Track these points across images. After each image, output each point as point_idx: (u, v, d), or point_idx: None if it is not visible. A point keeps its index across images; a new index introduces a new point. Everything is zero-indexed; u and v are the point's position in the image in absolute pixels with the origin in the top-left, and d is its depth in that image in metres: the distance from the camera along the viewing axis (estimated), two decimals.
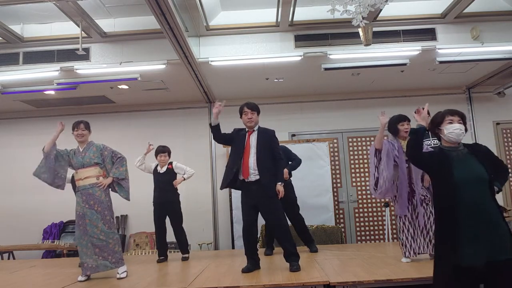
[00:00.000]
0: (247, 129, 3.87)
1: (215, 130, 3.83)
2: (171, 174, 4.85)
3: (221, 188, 3.93)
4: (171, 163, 4.91)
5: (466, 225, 2.28)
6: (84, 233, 3.75)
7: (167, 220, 4.83)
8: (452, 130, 2.47)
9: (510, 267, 2.22)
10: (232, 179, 3.77)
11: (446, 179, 2.38)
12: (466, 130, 2.52)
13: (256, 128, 3.87)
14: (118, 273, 3.77)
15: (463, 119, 2.54)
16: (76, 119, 4.20)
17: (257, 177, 3.68)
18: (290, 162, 4.91)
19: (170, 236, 4.89)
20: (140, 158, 4.88)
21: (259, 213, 3.79)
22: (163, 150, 4.90)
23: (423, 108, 2.74)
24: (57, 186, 4.01)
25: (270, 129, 3.93)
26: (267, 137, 3.83)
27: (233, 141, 3.88)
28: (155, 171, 4.89)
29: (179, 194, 4.90)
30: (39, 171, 3.95)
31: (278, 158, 3.80)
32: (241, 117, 3.90)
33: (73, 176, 4.23)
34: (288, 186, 4.80)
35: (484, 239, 2.24)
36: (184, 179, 4.87)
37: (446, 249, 2.35)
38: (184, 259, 4.75)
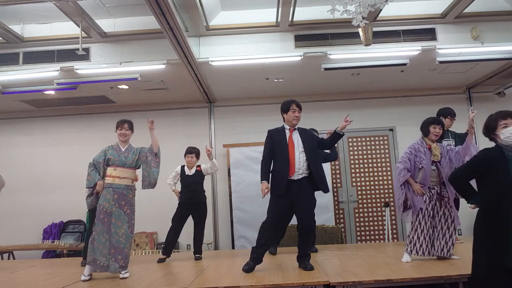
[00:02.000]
0: (288, 127, 3.83)
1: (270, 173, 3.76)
2: (200, 175, 4.88)
3: (279, 193, 3.65)
4: (199, 166, 4.93)
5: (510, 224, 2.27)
6: (106, 230, 3.76)
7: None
8: (508, 134, 2.46)
9: None
10: (283, 180, 3.64)
11: (501, 178, 2.36)
12: None
13: (296, 126, 3.86)
14: (121, 272, 3.77)
15: None
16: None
17: (303, 175, 3.66)
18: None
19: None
20: (172, 183, 4.90)
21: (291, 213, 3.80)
22: (191, 151, 4.90)
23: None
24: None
25: (307, 129, 3.96)
26: (310, 135, 3.85)
27: (274, 141, 3.78)
28: (183, 173, 4.87)
29: (206, 197, 4.94)
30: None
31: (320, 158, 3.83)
32: (284, 113, 3.82)
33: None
34: None
35: None
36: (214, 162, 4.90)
37: (496, 250, 2.32)
38: (197, 258, 4.77)
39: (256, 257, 3.70)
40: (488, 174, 2.45)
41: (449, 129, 4.89)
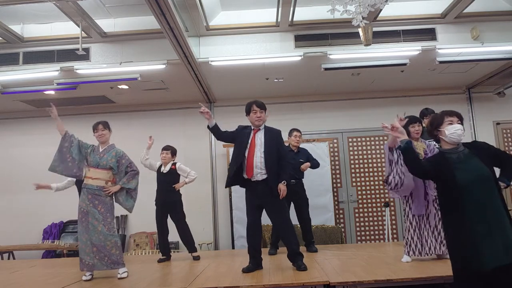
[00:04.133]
0: (252, 127, 3.83)
1: (214, 130, 3.83)
2: (174, 175, 4.79)
3: (226, 186, 3.98)
4: (174, 164, 4.85)
5: (474, 229, 2.23)
6: (85, 230, 3.78)
7: (169, 220, 4.81)
8: (453, 131, 2.44)
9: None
10: (233, 177, 3.75)
11: (449, 183, 2.34)
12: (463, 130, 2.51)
13: (262, 127, 3.83)
14: (119, 273, 3.79)
15: (460, 119, 2.51)
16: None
17: (264, 176, 3.66)
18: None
19: (174, 236, 4.88)
20: (144, 153, 4.83)
21: (264, 212, 3.78)
22: (166, 148, 4.87)
23: (397, 122, 2.62)
24: (76, 176, 3.98)
25: (276, 129, 3.91)
26: (273, 137, 3.80)
27: (236, 139, 3.83)
28: (158, 171, 4.85)
29: (181, 195, 4.88)
30: (54, 165, 3.88)
31: (283, 158, 3.77)
32: (247, 115, 3.85)
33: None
34: (301, 186, 4.90)
35: (496, 240, 2.18)
36: (186, 183, 4.79)
37: (463, 256, 2.29)
38: (196, 258, 4.72)
39: (254, 263, 3.73)
40: (437, 179, 2.46)
41: None
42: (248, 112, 3.84)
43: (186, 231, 4.78)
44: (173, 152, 4.91)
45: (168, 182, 4.73)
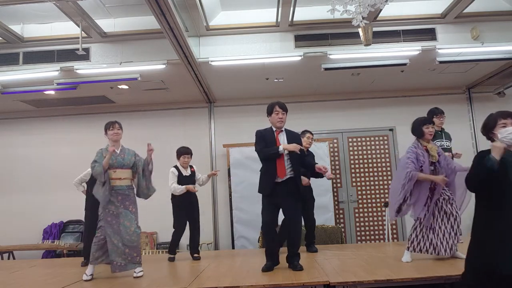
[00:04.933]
0: (274, 129, 3.82)
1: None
2: (193, 176, 4.88)
3: (265, 193, 3.72)
4: (192, 166, 4.93)
5: (510, 234, 2.24)
6: (117, 232, 3.79)
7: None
8: (506, 134, 2.40)
9: None
10: (270, 180, 3.68)
11: (502, 183, 2.31)
12: None
13: (282, 128, 3.84)
14: (135, 271, 3.79)
15: None
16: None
17: (288, 176, 3.67)
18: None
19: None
20: (179, 189, 4.75)
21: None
22: (187, 151, 4.86)
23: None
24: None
25: (295, 131, 3.95)
26: (296, 138, 3.83)
27: (266, 142, 3.77)
28: (180, 174, 4.82)
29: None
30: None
31: (304, 157, 3.83)
32: (269, 115, 3.82)
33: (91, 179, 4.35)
34: (309, 187, 4.92)
35: None
36: (201, 184, 4.96)
37: (487, 255, 2.30)
38: (196, 258, 4.74)
39: (272, 261, 3.72)
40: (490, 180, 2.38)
41: (444, 130, 4.88)
42: (270, 113, 3.82)
43: (199, 231, 4.87)
44: (191, 154, 4.95)
45: (191, 183, 4.81)
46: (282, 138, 3.77)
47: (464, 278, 2.42)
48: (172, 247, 4.81)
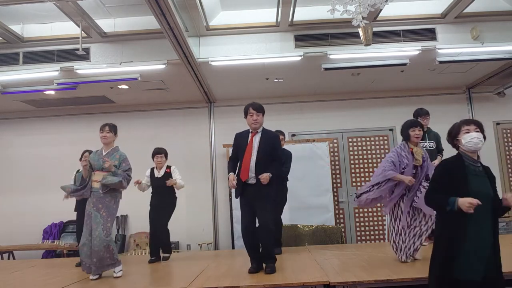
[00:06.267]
0: (250, 130, 3.82)
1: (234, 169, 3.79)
2: (169, 178, 4.72)
3: (237, 196, 3.75)
4: (169, 167, 4.81)
5: (470, 239, 2.29)
6: (89, 233, 3.78)
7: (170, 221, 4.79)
8: (469, 139, 2.44)
9: (500, 284, 2.35)
10: (239, 183, 3.68)
11: (461, 189, 2.34)
12: (484, 138, 2.47)
13: (260, 129, 3.81)
14: (114, 271, 3.79)
15: (480, 127, 2.48)
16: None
17: (254, 181, 3.64)
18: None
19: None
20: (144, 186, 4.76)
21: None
22: (159, 151, 4.80)
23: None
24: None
25: (274, 132, 3.91)
26: (270, 140, 3.77)
27: (237, 147, 3.82)
28: (152, 176, 4.78)
29: (176, 198, 4.83)
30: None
31: (276, 160, 3.76)
32: (245, 117, 3.83)
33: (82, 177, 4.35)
34: (284, 189, 4.82)
35: (483, 255, 2.28)
36: (176, 184, 4.70)
37: (447, 260, 2.35)
38: (164, 258, 4.69)
39: (257, 263, 3.69)
40: (449, 188, 2.39)
41: (431, 129, 4.87)
42: (245, 115, 3.83)
43: (164, 230, 4.73)
44: (165, 154, 4.85)
45: (163, 185, 4.65)
46: (256, 140, 3.74)
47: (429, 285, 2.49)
48: (151, 248, 4.73)
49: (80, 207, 4.61)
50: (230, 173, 3.72)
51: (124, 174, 3.89)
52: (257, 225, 3.73)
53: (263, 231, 3.64)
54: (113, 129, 4.02)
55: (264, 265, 3.66)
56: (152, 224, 4.72)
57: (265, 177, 3.56)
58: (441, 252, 2.41)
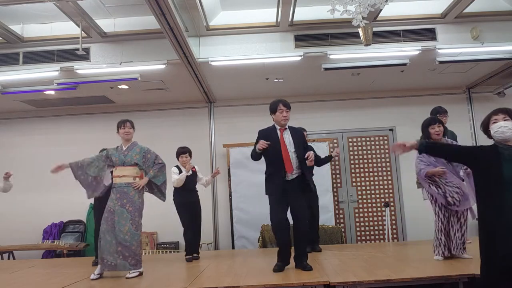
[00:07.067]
0: (278, 127, 3.81)
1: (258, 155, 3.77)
2: (195, 175, 4.95)
3: (275, 193, 3.68)
4: (194, 166, 4.96)
5: (510, 227, 2.29)
6: (111, 229, 3.77)
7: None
8: (496, 129, 2.47)
9: None
10: (274, 179, 3.67)
11: (494, 176, 2.37)
12: None
13: (286, 126, 3.83)
14: (129, 271, 3.76)
15: (509, 115, 2.49)
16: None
17: (296, 174, 3.67)
18: None
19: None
20: (182, 176, 4.80)
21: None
22: (185, 151, 4.91)
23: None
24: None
25: (298, 128, 3.97)
26: (300, 135, 3.86)
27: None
28: (181, 172, 4.84)
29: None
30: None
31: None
32: (273, 114, 3.81)
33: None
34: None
35: None
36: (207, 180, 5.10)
37: (493, 250, 2.36)
38: (195, 258, 4.78)
39: (283, 261, 3.69)
40: (482, 170, 2.44)
41: (447, 128, 4.86)
42: (274, 111, 3.80)
43: (199, 231, 4.95)
44: (190, 153, 4.98)
45: (191, 182, 4.86)
46: (287, 136, 3.76)
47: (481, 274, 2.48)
48: (186, 248, 4.82)
49: (100, 205, 4.51)
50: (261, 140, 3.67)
51: (158, 166, 4.03)
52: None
53: (302, 230, 3.67)
54: (133, 125, 4.13)
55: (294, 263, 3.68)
56: (189, 221, 4.77)
57: (311, 154, 3.63)
58: (487, 240, 2.41)
